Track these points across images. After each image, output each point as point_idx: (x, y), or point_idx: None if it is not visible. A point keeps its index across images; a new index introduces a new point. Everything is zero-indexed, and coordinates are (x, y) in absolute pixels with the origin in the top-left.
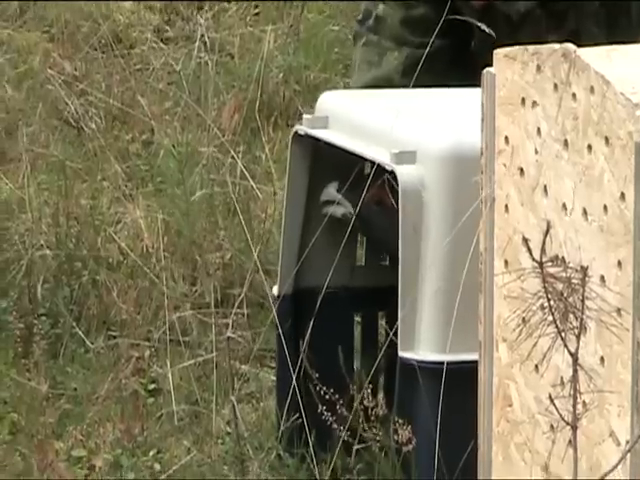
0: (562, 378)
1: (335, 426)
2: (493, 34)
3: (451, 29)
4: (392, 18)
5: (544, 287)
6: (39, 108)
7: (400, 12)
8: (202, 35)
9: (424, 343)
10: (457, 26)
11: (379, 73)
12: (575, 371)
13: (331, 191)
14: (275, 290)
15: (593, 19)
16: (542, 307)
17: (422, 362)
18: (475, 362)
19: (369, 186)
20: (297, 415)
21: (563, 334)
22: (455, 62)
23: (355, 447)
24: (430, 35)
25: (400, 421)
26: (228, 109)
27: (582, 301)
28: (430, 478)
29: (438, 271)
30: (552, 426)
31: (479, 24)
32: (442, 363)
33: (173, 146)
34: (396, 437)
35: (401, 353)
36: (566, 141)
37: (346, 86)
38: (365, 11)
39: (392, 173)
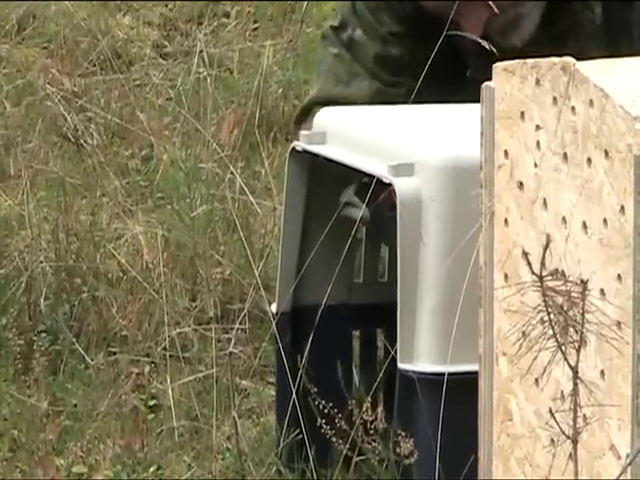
0: (562, 392)
1: (335, 441)
2: (495, 51)
3: (443, 61)
4: (367, 49)
5: (544, 301)
6: (38, 124)
7: (375, 47)
8: (201, 50)
9: (423, 355)
10: (450, 57)
11: (346, 93)
12: (575, 385)
13: (351, 193)
14: (274, 307)
15: (593, 41)
16: (542, 321)
17: (421, 373)
18: (474, 373)
19: (369, 199)
20: (297, 430)
21: (563, 348)
22: (448, 93)
23: (355, 460)
24: (403, 76)
25: (402, 433)
26: (227, 124)
27: (582, 315)
28: None
29: (437, 283)
30: (552, 440)
31: (480, 44)
32: (441, 374)
33: (180, 160)
34: (397, 449)
35: (400, 365)
36: (565, 154)
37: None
38: (342, 21)
39: (390, 186)
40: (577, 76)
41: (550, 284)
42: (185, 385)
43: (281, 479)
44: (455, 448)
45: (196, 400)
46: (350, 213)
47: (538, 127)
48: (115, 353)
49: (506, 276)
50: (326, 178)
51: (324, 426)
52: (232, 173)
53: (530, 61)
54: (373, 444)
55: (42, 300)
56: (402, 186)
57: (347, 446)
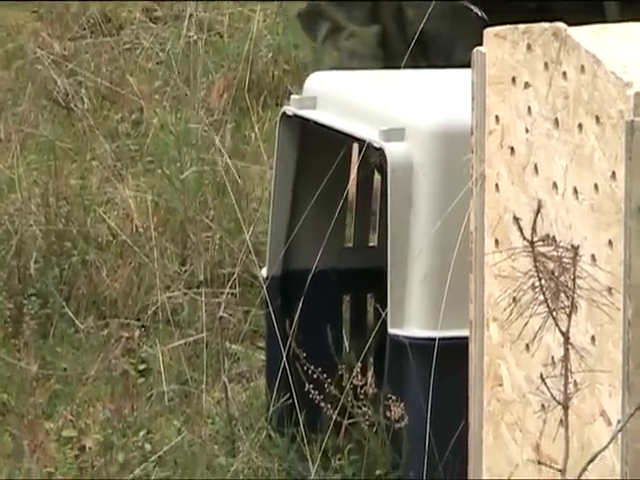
0: (553, 357)
1: (324, 405)
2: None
3: None
4: None
5: (535, 266)
6: (28, 88)
7: None
8: (191, 14)
9: (414, 320)
10: None
11: None
12: (566, 350)
13: None
14: (264, 271)
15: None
16: (533, 286)
17: (412, 339)
18: (465, 338)
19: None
20: (287, 395)
21: (554, 313)
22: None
23: (345, 424)
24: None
25: (392, 398)
26: (217, 88)
27: (573, 280)
28: (420, 456)
29: (428, 249)
30: (543, 406)
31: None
32: (432, 339)
33: (170, 124)
34: (387, 414)
35: (391, 330)
36: (557, 120)
37: None
38: None
39: (381, 150)
40: (569, 42)
41: (541, 249)
42: (175, 349)
43: (271, 443)
44: (445, 413)
45: (186, 364)
46: None
47: (529, 92)
48: (105, 317)
49: (497, 241)
50: (316, 143)
51: (313, 391)
52: (222, 137)
53: (521, 26)
54: (363, 409)
55: (32, 264)
56: (393, 151)
57: (337, 411)
